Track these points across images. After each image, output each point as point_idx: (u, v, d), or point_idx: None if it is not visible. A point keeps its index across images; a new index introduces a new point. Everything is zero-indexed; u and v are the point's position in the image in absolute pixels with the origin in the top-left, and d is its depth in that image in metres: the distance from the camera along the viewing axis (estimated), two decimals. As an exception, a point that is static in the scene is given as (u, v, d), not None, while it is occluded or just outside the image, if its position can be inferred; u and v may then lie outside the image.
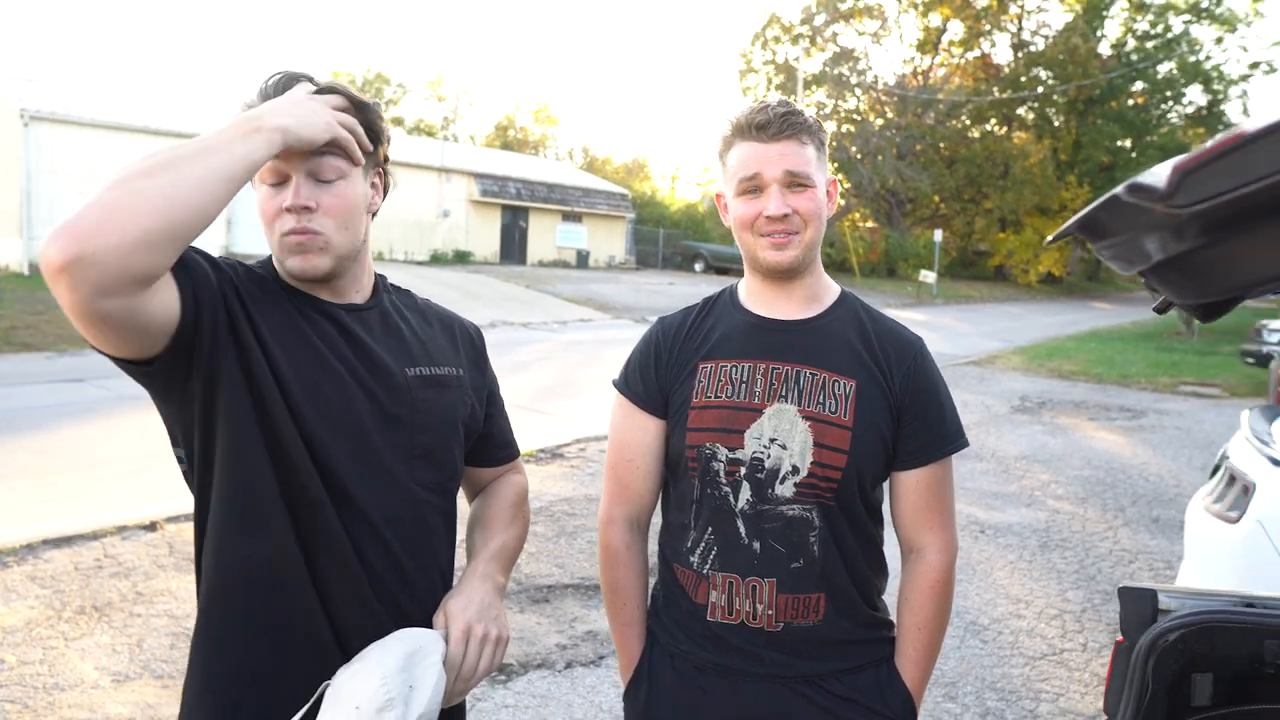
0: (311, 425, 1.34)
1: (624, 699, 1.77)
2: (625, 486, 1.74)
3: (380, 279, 1.56)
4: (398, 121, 52.60)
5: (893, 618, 1.73)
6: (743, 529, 1.60)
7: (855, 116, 43.91)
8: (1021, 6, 43.14)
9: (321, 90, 1.37)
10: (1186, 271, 1.34)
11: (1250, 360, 14.20)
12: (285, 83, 1.39)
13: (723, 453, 1.60)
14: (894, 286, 31.63)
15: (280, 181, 1.36)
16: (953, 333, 20.14)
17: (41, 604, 4.27)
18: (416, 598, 1.44)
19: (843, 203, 45.51)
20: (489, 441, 1.66)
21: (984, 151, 41.38)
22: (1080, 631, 4.54)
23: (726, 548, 1.61)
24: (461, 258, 29.30)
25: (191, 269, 1.28)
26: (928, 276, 30.80)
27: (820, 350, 1.64)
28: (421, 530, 1.47)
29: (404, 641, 1.29)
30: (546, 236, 32.67)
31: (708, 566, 1.62)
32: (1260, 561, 3.31)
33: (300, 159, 1.34)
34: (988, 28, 43.16)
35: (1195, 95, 44.27)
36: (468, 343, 1.64)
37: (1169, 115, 45.13)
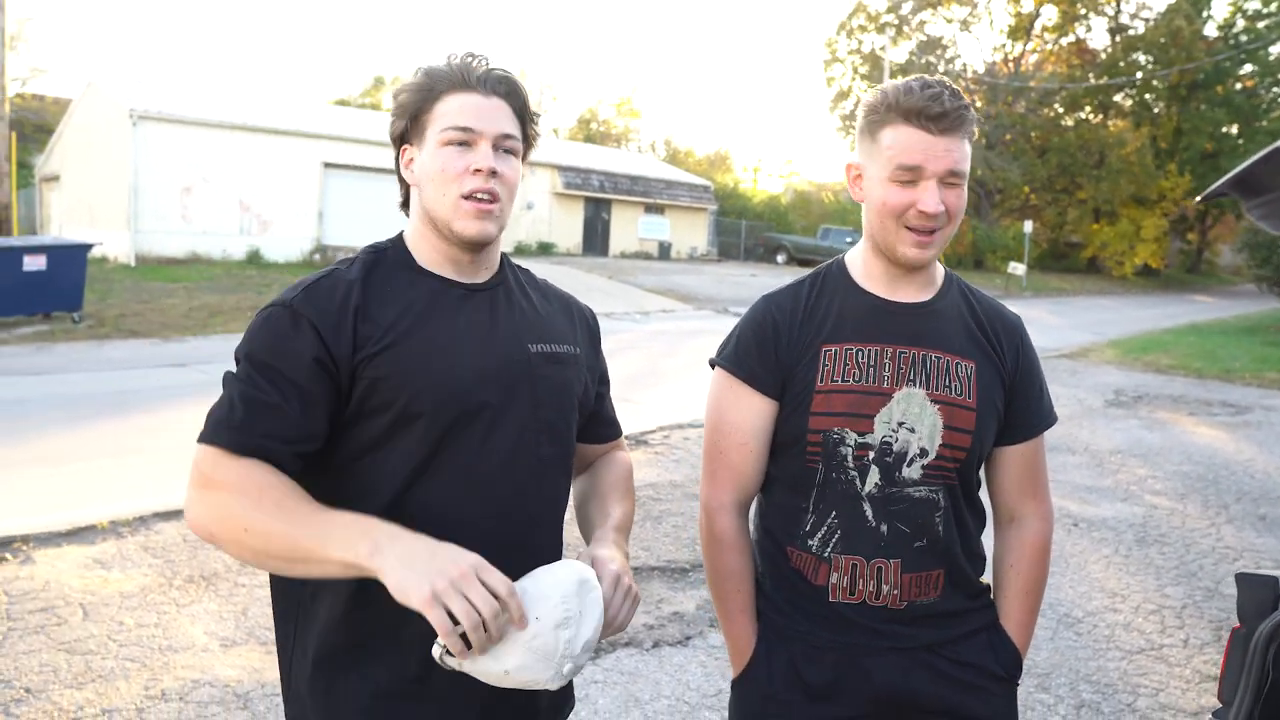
0: (440, 401, 1.37)
1: (736, 686, 1.74)
2: (735, 470, 1.69)
3: (504, 257, 1.58)
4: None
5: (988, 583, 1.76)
6: (869, 512, 1.60)
7: (942, 105, 42.86)
8: (1120, -12, 41.58)
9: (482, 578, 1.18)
10: None
11: (1366, 355, 13.47)
12: (502, 84, 1.45)
13: (851, 437, 1.59)
14: (982, 279, 30.84)
15: (464, 143, 1.40)
16: (1043, 325, 19.56)
17: (155, 572, 4.49)
18: (542, 562, 1.43)
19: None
20: (599, 419, 1.69)
21: (1078, 140, 40.05)
22: (1181, 628, 4.39)
23: (851, 531, 1.61)
24: (545, 249, 29.62)
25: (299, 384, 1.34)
26: (1017, 269, 29.94)
27: (941, 332, 1.64)
28: (547, 502, 1.50)
29: (574, 570, 1.29)
30: (629, 228, 32.78)
31: (829, 549, 1.62)
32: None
33: (491, 133, 1.41)
34: (1084, 11, 41.68)
35: (1309, 78, 42.06)
36: (584, 323, 1.67)
37: (1280, 99, 42.97)
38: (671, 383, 10.70)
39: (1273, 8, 40.69)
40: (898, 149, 1.52)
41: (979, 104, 41.86)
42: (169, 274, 18.68)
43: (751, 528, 1.78)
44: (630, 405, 9.20)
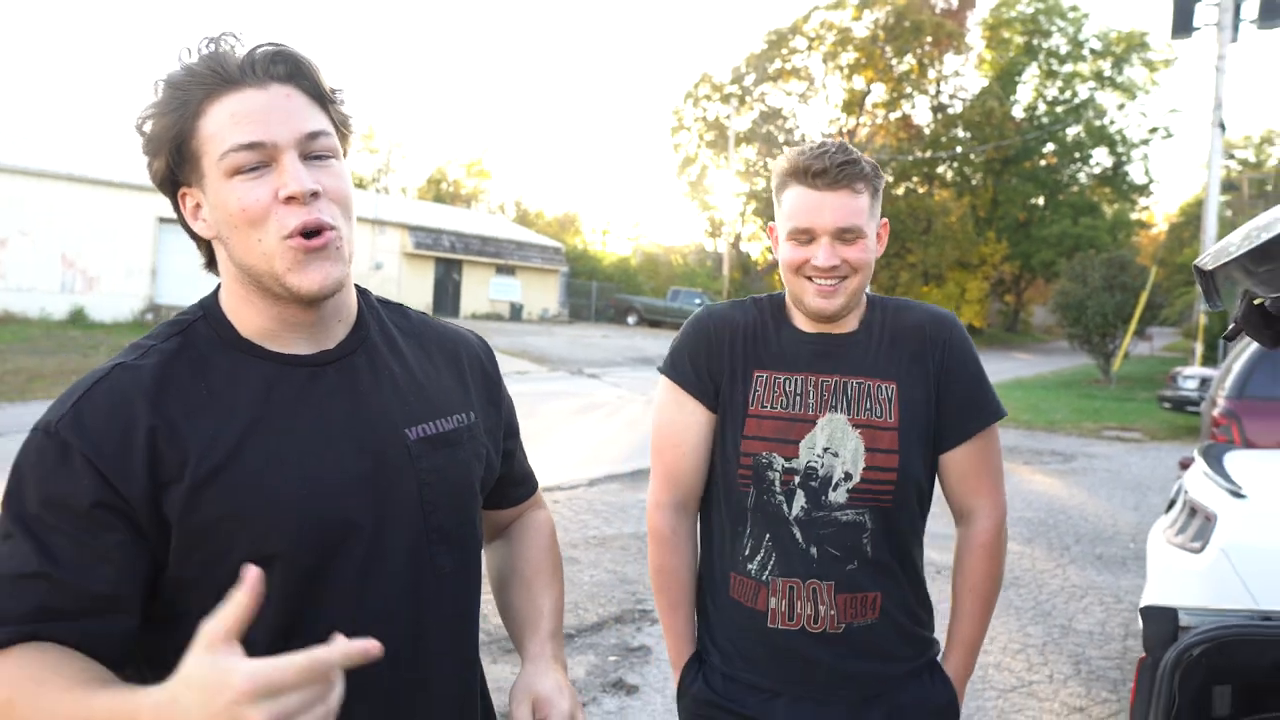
0: (295, 537, 1.05)
1: (678, 695, 1.79)
2: (673, 472, 1.75)
3: (364, 296, 1.24)
4: (326, 173, 51.96)
5: (936, 620, 1.79)
6: (799, 535, 1.64)
7: (782, 173, 45.04)
8: (939, 72, 45.01)
9: None
10: None
11: (1167, 405, 14.78)
12: (278, 63, 1.07)
13: (779, 461, 1.64)
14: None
15: (258, 165, 1.04)
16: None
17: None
18: (449, 699, 1.20)
19: (771, 257, 46.45)
20: (508, 480, 1.40)
21: (907, 208, 42.73)
22: (1045, 664, 4.62)
23: (784, 554, 1.64)
24: (394, 309, 28.94)
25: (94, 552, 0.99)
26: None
27: (861, 359, 1.70)
28: (453, 625, 1.21)
29: None
30: (480, 289, 32.54)
31: (767, 573, 1.65)
32: (1225, 588, 3.43)
33: (290, 138, 1.05)
34: (909, 90, 44.87)
35: (1101, 157, 46.73)
36: (478, 372, 1.33)
37: (1078, 175, 47.38)
38: (533, 447, 10.52)
39: (1066, 95, 45.11)
40: (791, 209, 1.63)
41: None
42: (-22, 335, 17.17)
43: (699, 558, 1.82)
44: (496, 466, 9.02)
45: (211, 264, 1.15)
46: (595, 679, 4.18)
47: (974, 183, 46.85)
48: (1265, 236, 1.36)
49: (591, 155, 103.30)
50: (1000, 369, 27.22)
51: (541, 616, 1.31)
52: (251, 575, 0.82)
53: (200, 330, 1.11)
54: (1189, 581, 3.59)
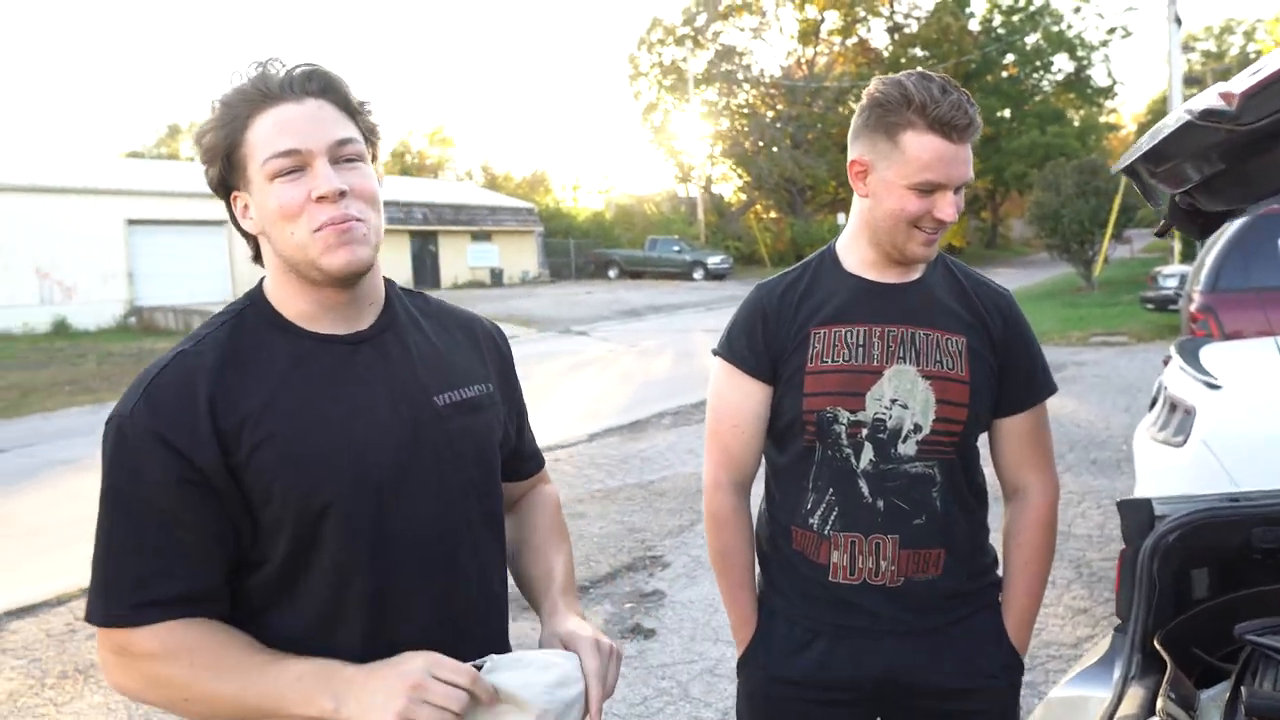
0: (345, 488, 1.20)
1: (739, 666, 1.80)
2: (731, 452, 1.74)
3: (390, 285, 1.38)
4: (289, 157, 51.20)
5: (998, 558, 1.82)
6: (865, 488, 1.64)
7: (746, 111, 44.70)
8: (892, -8, 44.56)
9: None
10: (1238, 180, 1.51)
11: (1150, 306, 14.93)
12: (312, 81, 1.22)
13: (844, 415, 1.63)
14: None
15: (295, 169, 1.18)
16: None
17: (20, 674, 4.15)
18: (492, 643, 1.31)
19: (744, 196, 46.24)
20: (520, 454, 1.54)
21: (874, 134, 42.60)
22: (1045, 569, 4.79)
23: (849, 508, 1.65)
24: (373, 288, 28.84)
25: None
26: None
27: (930, 310, 1.69)
28: (486, 573, 1.36)
29: (546, 673, 1.18)
30: (458, 258, 32.38)
31: (829, 527, 1.66)
32: (1209, 477, 3.57)
33: (321, 145, 1.19)
34: (863, 14, 44.40)
35: (1063, 63, 46.39)
36: (493, 349, 1.48)
37: (1041, 84, 47.09)
38: (531, 406, 10.63)
39: (1021, 2, 44.67)
40: (925, 161, 1.53)
41: (781, 106, 43.85)
42: (-38, 356, 17.08)
43: (756, 514, 1.83)
44: (495, 433, 9.12)
45: (257, 257, 1.31)
46: (613, 626, 4.33)
47: (939, 101, 46.55)
48: (1158, 139, 1.46)
49: (553, 112, 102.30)
50: (981, 285, 27.33)
51: (553, 577, 1.43)
52: None
53: (249, 316, 1.26)
54: (1174, 475, 3.73)
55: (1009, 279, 30.98)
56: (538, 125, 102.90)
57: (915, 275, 1.71)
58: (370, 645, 1.20)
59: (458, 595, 1.30)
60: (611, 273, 35.36)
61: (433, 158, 56.34)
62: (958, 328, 1.68)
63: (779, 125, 42.91)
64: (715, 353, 1.78)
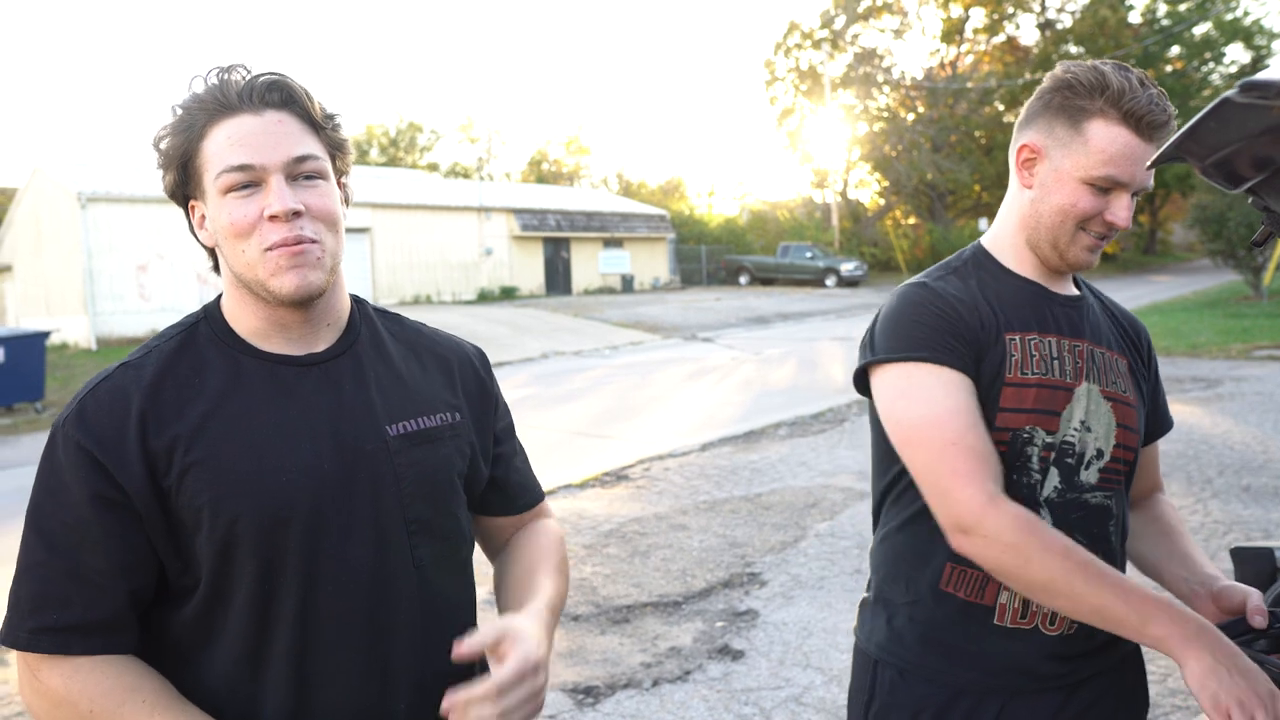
0: (264, 519, 1.11)
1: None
2: (983, 454, 1.36)
3: (359, 305, 1.31)
4: (433, 167, 53.42)
5: None
6: (1049, 518, 1.42)
7: (885, 114, 43.61)
8: (1044, -15, 42.59)
9: None
10: None
11: (1325, 317, 13.69)
12: (273, 92, 1.16)
13: (1040, 436, 1.42)
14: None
15: (249, 184, 1.13)
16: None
17: None
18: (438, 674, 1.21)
19: (881, 201, 45.12)
20: (504, 485, 1.40)
21: (1022, 135, 40.87)
22: (1180, 608, 4.37)
23: None
24: (508, 293, 29.55)
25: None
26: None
27: (1097, 327, 1.54)
28: (441, 617, 1.24)
29: None
30: (589, 264, 32.83)
31: None
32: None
33: (277, 162, 1.13)
34: (1011, 10, 42.61)
35: (1237, 53, 43.06)
36: (468, 375, 1.37)
37: (1210, 76, 43.95)
38: (646, 415, 10.64)
39: (1191, -10, 41.87)
40: (1111, 155, 1.37)
41: (921, 109, 42.58)
42: (130, 355, 18.39)
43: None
44: (606, 440, 9.12)
45: (217, 268, 1.25)
46: (701, 645, 4.18)
47: (1093, 100, 44.22)
48: (1193, 122, 1.19)
49: (689, 119, 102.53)
50: (1135, 295, 25.80)
51: (535, 594, 1.27)
52: None
53: (201, 330, 1.21)
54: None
55: (1167, 287, 29.14)
56: (673, 133, 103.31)
57: (1074, 290, 1.55)
58: (296, 692, 1.12)
59: (396, 640, 1.19)
60: (742, 279, 35.10)
61: (569, 166, 57.39)
62: (1119, 348, 1.55)
63: (919, 128, 41.68)
64: (890, 360, 1.44)
